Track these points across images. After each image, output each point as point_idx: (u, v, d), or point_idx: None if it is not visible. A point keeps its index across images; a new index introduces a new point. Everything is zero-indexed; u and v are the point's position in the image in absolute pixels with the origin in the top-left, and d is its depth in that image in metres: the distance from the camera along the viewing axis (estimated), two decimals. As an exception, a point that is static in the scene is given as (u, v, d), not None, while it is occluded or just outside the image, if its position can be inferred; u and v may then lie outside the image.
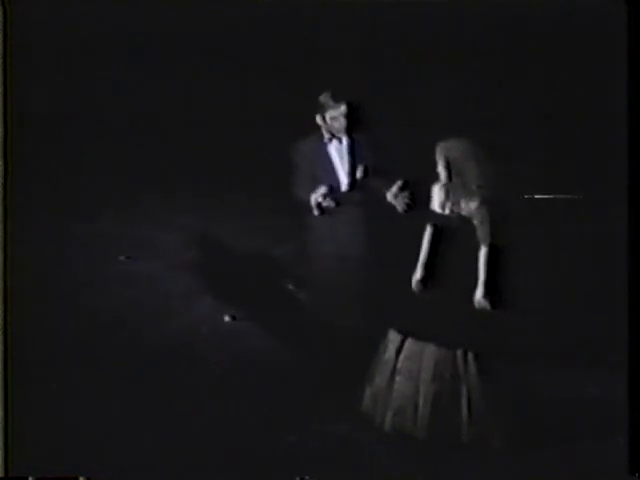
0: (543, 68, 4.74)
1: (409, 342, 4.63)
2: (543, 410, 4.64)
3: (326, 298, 4.82)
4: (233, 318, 4.83)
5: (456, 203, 4.64)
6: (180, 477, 4.59)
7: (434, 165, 4.70)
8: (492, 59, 4.75)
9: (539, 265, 4.66)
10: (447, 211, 4.65)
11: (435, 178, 4.70)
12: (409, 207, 4.74)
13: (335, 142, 4.86)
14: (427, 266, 4.65)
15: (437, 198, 4.66)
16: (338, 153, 4.87)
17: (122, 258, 4.84)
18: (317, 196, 4.84)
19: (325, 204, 4.83)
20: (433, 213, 4.69)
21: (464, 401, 4.56)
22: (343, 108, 4.82)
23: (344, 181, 4.84)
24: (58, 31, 4.77)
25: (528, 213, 4.67)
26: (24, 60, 4.76)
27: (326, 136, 4.86)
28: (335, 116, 4.82)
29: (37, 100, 4.77)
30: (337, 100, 4.81)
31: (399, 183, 4.77)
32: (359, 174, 4.83)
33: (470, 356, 4.58)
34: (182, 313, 4.83)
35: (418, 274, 4.66)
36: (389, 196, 4.77)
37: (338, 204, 4.82)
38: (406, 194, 4.76)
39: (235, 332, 4.82)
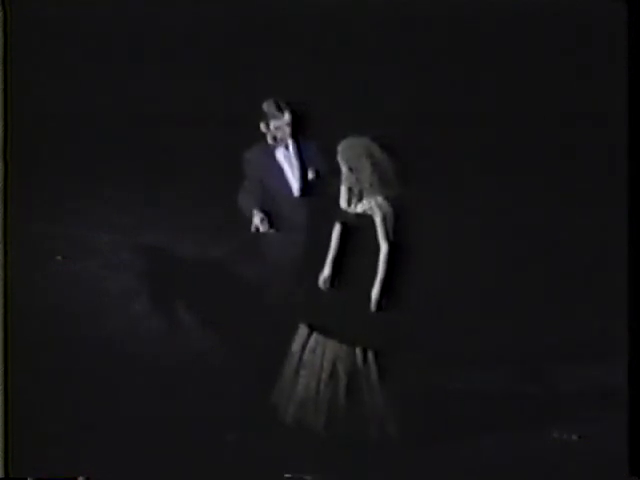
0: (543, 68, 4.75)
1: (314, 337, 4.64)
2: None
3: (261, 298, 4.81)
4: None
5: (359, 201, 4.64)
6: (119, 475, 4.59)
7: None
8: (491, 60, 4.77)
9: (441, 264, 4.68)
10: (353, 209, 4.65)
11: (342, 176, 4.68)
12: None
13: (281, 149, 4.82)
14: (335, 264, 4.67)
15: (343, 196, 4.67)
16: (286, 159, 4.83)
17: (59, 258, 4.85)
18: (257, 221, 4.81)
19: (263, 229, 4.84)
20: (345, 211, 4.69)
21: (364, 397, 4.58)
22: (287, 116, 4.76)
23: (295, 186, 4.81)
24: (58, 31, 4.79)
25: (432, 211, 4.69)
26: (24, 60, 4.77)
27: (271, 143, 4.80)
28: (279, 125, 4.76)
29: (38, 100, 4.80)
30: (281, 108, 4.76)
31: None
32: (310, 176, 4.79)
33: (370, 353, 4.59)
34: (119, 313, 4.84)
35: (326, 272, 4.68)
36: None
37: (277, 229, 4.83)
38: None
39: (173, 332, 4.84)
